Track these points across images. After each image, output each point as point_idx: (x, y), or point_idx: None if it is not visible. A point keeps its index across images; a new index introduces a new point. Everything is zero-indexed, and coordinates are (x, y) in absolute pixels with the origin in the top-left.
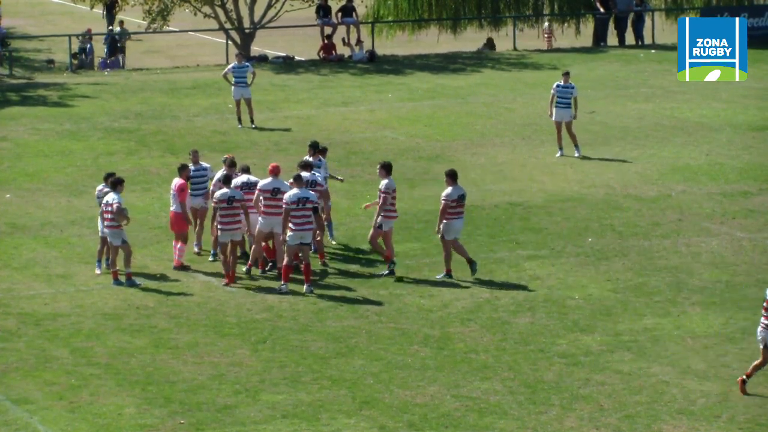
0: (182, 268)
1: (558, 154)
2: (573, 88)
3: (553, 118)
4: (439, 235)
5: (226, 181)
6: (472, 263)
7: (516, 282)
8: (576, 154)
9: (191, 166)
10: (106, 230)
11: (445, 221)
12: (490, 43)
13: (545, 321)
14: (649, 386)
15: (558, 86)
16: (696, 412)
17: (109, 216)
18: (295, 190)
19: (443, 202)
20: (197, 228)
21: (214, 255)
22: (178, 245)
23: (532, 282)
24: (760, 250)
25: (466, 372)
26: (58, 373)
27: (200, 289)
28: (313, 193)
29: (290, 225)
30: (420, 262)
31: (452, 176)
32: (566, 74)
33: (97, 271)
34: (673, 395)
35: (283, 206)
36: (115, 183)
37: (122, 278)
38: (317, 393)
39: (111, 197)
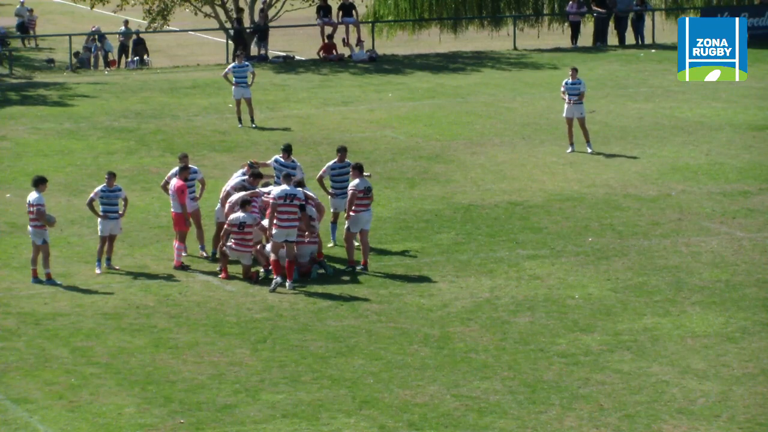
0: (182, 267)
1: (569, 150)
2: (581, 83)
3: (564, 115)
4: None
5: (242, 205)
6: (356, 265)
7: (516, 282)
8: (588, 150)
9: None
10: (29, 228)
11: (352, 213)
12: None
13: (545, 321)
14: (649, 386)
15: (566, 83)
16: (696, 411)
17: (32, 216)
18: (283, 186)
19: (350, 192)
20: (197, 231)
21: (214, 254)
22: (178, 245)
23: (532, 282)
24: (760, 250)
25: (466, 372)
26: (57, 373)
27: (200, 289)
28: (300, 190)
29: (275, 221)
30: (420, 261)
31: (359, 169)
32: (574, 70)
33: (97, 271)
34: (672, 395)
35: (270, 201)
36: (37, 182)
37: (43, 277)
38: (317, 392)
39: (33, 198)
